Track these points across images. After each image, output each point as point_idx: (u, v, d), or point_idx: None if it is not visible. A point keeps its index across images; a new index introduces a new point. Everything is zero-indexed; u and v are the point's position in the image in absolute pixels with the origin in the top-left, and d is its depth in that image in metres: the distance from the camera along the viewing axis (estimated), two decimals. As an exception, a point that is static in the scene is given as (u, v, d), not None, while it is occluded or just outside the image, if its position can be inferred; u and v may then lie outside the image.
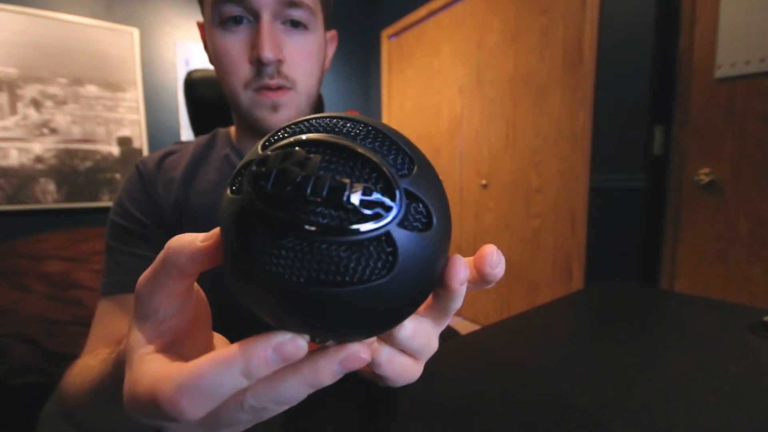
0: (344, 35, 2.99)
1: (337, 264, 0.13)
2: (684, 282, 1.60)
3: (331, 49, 0.57)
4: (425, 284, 0.15)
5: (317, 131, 0.15)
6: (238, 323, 0.30)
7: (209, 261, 0.16)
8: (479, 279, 0.18)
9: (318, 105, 0.60)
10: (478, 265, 0.17)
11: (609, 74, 1.66)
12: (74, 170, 2.18)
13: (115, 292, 0.46)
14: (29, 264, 1.44)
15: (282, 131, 0.16)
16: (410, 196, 0.14)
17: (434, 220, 0.14)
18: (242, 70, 0.46)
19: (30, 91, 2.05)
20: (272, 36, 0.45)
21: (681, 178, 1.59)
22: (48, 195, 2.13)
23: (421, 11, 2.67)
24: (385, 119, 3.16)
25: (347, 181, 0.13)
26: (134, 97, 2.31)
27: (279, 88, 0.47)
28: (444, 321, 0.20)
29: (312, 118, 0.16)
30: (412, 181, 0.14)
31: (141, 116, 2.33)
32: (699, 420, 0.39)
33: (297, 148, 0.14)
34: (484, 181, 2.34)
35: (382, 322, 0.16)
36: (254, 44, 0.45)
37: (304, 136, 0.15)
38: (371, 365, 0.18)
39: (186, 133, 2.48)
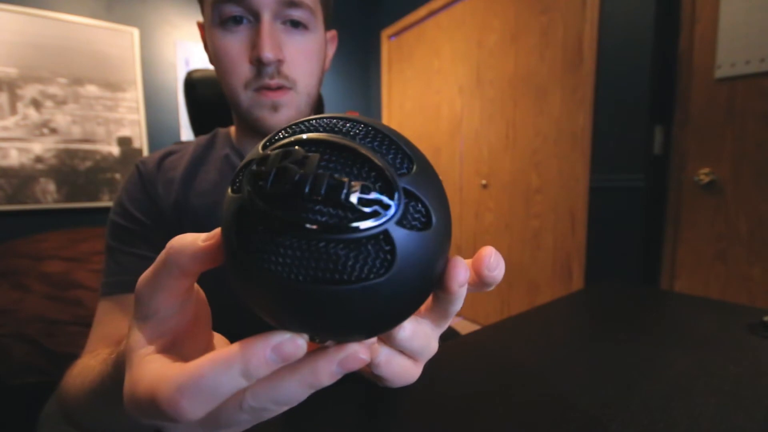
0: (344, 35, 2.99)
1: (336, 262, 0.13)
2: (684, 282, 1.60)
3: (332, 49, 0.57)
4: (424, 284, 0.15)
5: (317, 131, 0.15)
6: (238, 323, 0.30)
7: (211, 261, 0.16)
8: (478, 281, 0.17)
9: (318, 105, 0.60)
10: (476, 267, 0.17)
11: (609, 74, 1.66)
12: (74, 170, 2.18)
13: (115, 292, 0.46)
14: (29, 264, 1.44)
15: (282, 131, 0.16)
16: (409, 195, 0.14)
17: (433, 220, 0.14)
18: (242, 70, 0.46)
19: (30, 91, 2.05)
20: (272, 36, 0.45)
21: (681, 178, 1.58)
22: (48, 195, 2.13)
23: (421, 11, 2.67)
24: (385, 119, 3.16)
25: (346, 179, 0.13)
26: (134, 97, 2.31)
27: (279, 88, 0.47)
28: (444, 323, 0.19)
29: (312, 119, 0.16)
30: (411, 180, 0.14)
31: (141, 116, 2.33)
32: (699, 420, 0.39)
33: (296, 147, 0.14)
34: (484, 181, 2.34)
35: (380, 322, 0.15)
36: (254, 44, 0.45)
37: (304, 136, 0.15)
38: (370, 366, 0.18)
39: (186, 133, 2.48)
